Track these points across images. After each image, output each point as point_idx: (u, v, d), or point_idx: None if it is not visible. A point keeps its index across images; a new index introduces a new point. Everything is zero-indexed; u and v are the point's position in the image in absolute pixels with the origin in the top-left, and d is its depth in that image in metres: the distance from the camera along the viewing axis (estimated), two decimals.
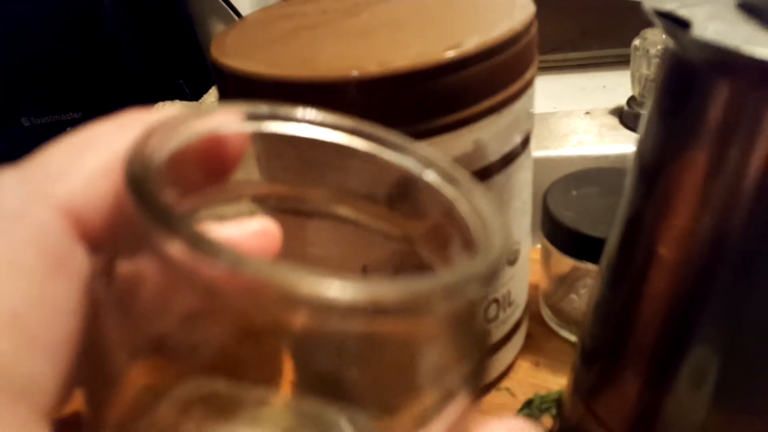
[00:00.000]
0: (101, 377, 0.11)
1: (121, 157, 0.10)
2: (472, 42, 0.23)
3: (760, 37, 0.15)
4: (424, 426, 0.11)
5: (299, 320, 0.09)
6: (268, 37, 0.28)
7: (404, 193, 0.14)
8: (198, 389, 0.12)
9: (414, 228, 0.15)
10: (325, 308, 0.09)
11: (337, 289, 0.08)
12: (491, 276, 0.10)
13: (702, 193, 0.18)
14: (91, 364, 0.11)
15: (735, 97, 0.16)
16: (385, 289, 0.09)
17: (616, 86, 0.67)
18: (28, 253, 0.09)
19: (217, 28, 0.53)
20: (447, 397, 0.11)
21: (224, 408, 0.13)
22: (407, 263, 0.15)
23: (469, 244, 0.12)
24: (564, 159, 0.57)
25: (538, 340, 0.37)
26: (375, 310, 0.09)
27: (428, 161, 0.14)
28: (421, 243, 0.14)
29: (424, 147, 0.14)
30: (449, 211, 0.13)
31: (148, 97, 0.59)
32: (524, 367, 0.35)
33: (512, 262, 0.31)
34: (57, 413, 0.10)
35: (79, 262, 0.10)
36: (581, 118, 0.62)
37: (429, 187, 0.13)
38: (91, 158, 0.11)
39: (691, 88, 0.17)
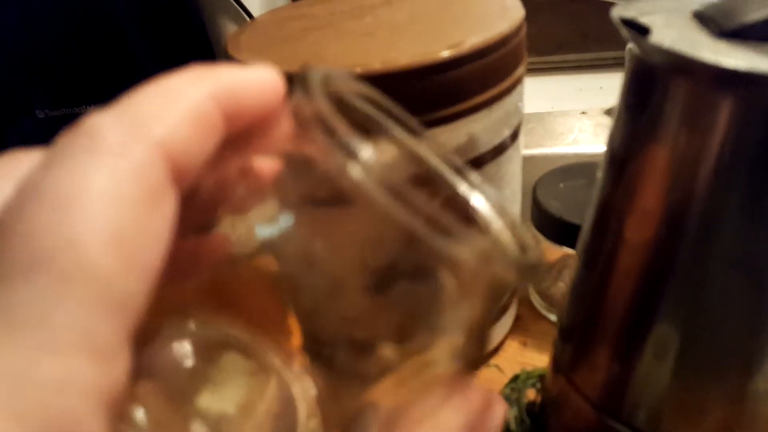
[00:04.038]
0: None
1: (202, 107, 0.12)
2: (467, 43, 0.26)
3: (708, 43, 0.17)
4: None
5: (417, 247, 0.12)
6: (279, 36, 0.30)
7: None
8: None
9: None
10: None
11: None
12: (536, 271, 0.13)
13: (662, 180, 0.20)
14: None
15: (688, 95, 0.18)
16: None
17: (613, 88, 0.69)
18: (129, 186, 0.10)
19: (228, 27, 0.55)
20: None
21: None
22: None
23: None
24: (559, 156, 0.59)
25: (526, 322, 0.39)
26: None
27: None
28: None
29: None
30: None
31: None
32: (513, 346, 0.38)
33: None
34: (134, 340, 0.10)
35: (171, 199, 0.11)
36: (577, 118, 0.64)
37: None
38: (178, 106, 0.11)
39: (651, 87, 0.19)
